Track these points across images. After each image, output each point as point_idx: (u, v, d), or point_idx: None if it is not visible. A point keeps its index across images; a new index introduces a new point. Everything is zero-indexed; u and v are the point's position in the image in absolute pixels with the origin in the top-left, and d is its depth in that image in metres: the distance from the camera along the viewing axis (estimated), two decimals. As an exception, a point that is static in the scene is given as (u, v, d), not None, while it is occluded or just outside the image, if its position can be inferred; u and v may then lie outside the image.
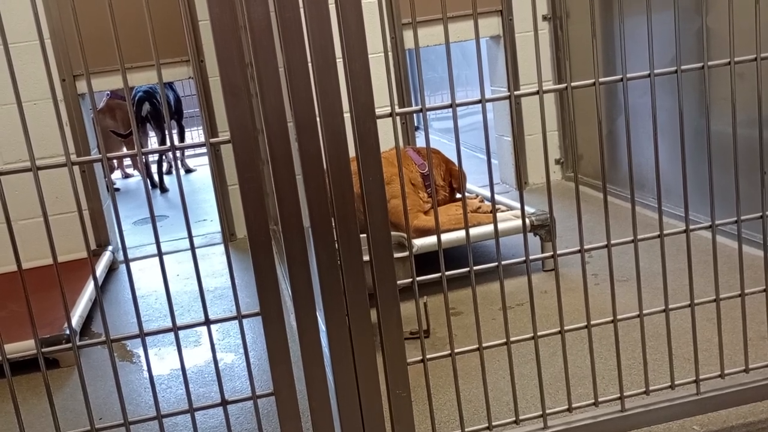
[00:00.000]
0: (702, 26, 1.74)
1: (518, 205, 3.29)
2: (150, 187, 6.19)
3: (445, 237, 2.92)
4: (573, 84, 1.53)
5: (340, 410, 1.52)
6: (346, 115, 1.40)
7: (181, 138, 6.80)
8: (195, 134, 8.56)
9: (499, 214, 3.22)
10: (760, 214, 1.68)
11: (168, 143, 1.38)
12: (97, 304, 3.18)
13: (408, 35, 4.12)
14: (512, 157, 4.54)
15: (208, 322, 1.45)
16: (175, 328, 1.44)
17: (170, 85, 6.56)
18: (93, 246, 3.98)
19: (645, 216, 3.50)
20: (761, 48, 1.59)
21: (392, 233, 1.48)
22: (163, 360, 2.72)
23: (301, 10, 1.34)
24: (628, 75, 1.55)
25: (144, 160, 1.38)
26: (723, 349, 1.72)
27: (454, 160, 3.41)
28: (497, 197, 3.54)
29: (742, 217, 1.67)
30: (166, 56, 3.92)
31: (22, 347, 2.60)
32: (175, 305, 3.28)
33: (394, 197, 2.99)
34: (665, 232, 1.64)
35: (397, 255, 1.58)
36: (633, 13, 3.42)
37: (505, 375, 2.21)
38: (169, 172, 6.72)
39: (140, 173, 6.94)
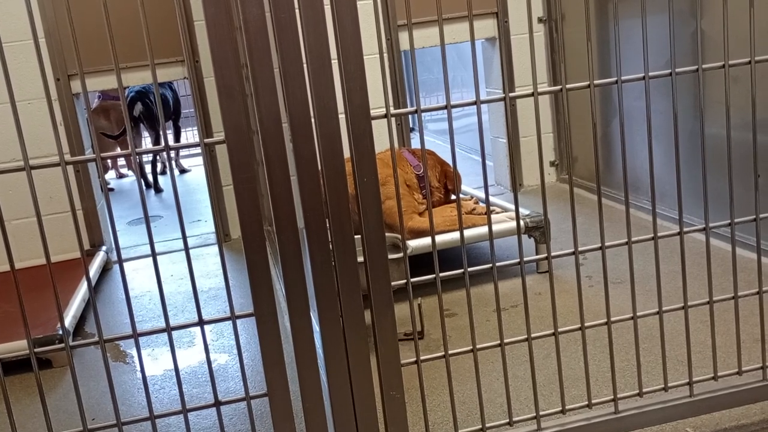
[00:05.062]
0: (697, 29, 1.75)
1: (513, 206, 3.29)
2: (144, 188, 6.19)
3: (439, 238, 2.92)
4: (568, 86, 1.53)
5: (334, 411, 1.52)
6: (341, 116, 1.40)
7: (177, 138, 6.78)
8: (191, 134, 8.53)
9: (493, 216, 3.22)
10: (754, 217, 1.69)
11: (162, 143, 1.38)
12: (90, 305, 3.17)
13: (403, 36, 4.12)
14: (507, 159, 4.54)
15: (201, 323, 1.44)
16: (168, 329, 1.44)
17: (169, 86, 6.54)
18: (87, 246, 3.97)
19: (639, 218, 3.51)
20: (755, 51, 1.59)
21: (386, 234, 1.48)
22: (156, 360, 2.72)
23: (297, 11, 1.34)
24: (623, 77, 1.55)
25: (138, 160, 1.38)
26: (716, 351, 1.72)
27: (450, 161, 3.42)
28: (492, 199, 3.54)
29: (736, 220, 1.67)
30: (162, 56, 3.91)
31: (14, 347, 2.59)
32: (169, 306, 3.27)
33: (389, 198, 2.99)
34: (659, 234, 1.65)
35: (391, 256, 1.58)
36: (628, 15, 3.43)
37: (499, 377, 2.21)
38: (163, 173, 6.71)
39: (134, 173, 6.92)
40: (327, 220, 1.43)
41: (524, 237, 3.08)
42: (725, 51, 1.58)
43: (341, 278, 1.46)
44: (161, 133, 1.42)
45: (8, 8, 3.64)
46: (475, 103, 1.49)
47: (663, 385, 1.71)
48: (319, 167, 1.41)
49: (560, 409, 1.67)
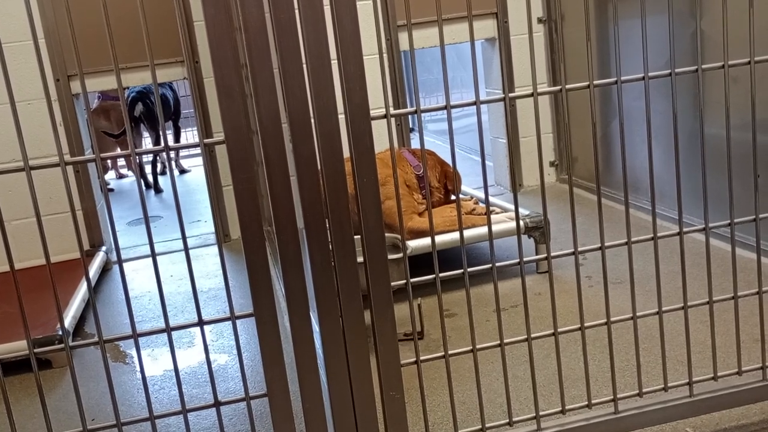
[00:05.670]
0: (696, 30, 1.75)
1: (512, 207, 3.29)
2: (144, 188, 6.18)
3: (439, 239, 2.92)
4: (567, 86, 1.53)
5: (334, 412, 1.52)
6: (341, 116, 1.40)
7: (177, 138, 6.78)
8: (190, 134, 8.53)
9: (493, 216, 3.22)
10: (753, 217, 1.69)
11: (162, 143, 1.38)
12: (90, 305, 3.17)
13: (403, 37, 4.12)
14: (507, 159, 4.54)
15: (201, 323, 1.44)
16: (168, 329, 1.43)
17: (169, 86, 6.54)
18: (86, 246, 3.97)
19: (639, 218, 3.52)
20: (755, 51, 1.59)
21: (386, 234, 1.48)
22: (156, 361, 2.72)
23: (296, 12, 1.34)
24: (623, 78, 1.55)
25: (138, 161, 1.38)
26: (716, 351, 1.72)
27: (449, 161, 3.41)
28: (492, 199, 3.54)
29: (736, 220, 1.67)
30: (161, 57, 3.91)
31: (14, 348, 2.59)
32: (169, 306, 3.27)
33: (389, 198, 2.99)
34: (659, 234, 1.64)
35: (391, 256, 1.59)
36: (628, 16, 3.43)
37: (498, 377, 2.21)
38: (163, 173, 6.70)
39: (134, 174, 6.92)
40: (327, 220, 1.43)
41: (524, 237, 3.08)
42: (725, 51, 1.57)
43: (341, 278, 1.46)
44: (161, 133, 1.42)
45: (8, 8, 3.64)
46: (474, 103, 1.49)
47: (663, 385, 1.71)
48: (319, 167, 1.41)
49: (560, 409, 1.67)
